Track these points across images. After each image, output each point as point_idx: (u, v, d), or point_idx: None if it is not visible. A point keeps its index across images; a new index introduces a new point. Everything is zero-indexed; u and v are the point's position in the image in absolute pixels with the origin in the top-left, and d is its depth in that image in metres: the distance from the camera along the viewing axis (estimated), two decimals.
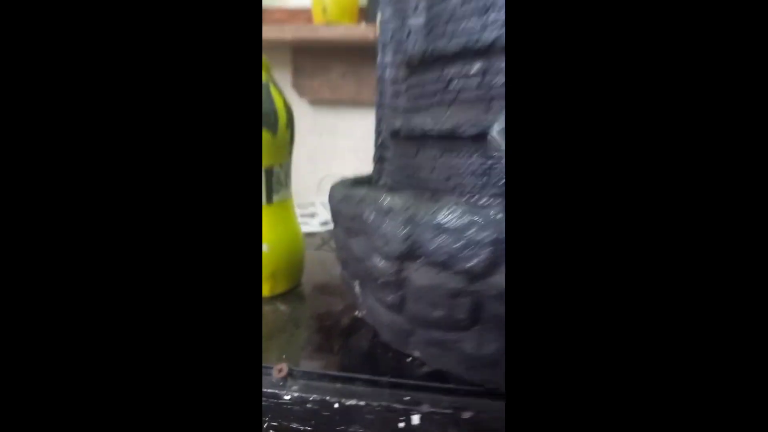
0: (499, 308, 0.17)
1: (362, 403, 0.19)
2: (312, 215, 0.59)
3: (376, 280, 0.20)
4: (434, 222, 0.17)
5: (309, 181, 0.64)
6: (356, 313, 0.28)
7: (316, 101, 0.72)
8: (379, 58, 0.31)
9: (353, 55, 0.68)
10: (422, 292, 0.18)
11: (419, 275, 0.18)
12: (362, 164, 0.33)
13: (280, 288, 0.31)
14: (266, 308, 0.29)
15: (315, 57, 0.68)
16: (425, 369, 0.21)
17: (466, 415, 0.19)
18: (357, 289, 0.25)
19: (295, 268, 0.32)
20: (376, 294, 0.21)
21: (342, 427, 0.20)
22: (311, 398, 0.20)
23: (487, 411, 0.19)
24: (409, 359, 0.22)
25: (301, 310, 0.29)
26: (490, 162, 0.20)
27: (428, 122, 0.23)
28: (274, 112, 0.28)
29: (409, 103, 0.27)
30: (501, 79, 0.22)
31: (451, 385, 0.20)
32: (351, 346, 0.24)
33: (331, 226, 0.57)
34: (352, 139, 0.70)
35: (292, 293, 0.31)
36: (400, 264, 0.19)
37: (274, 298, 0.30)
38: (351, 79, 0.69)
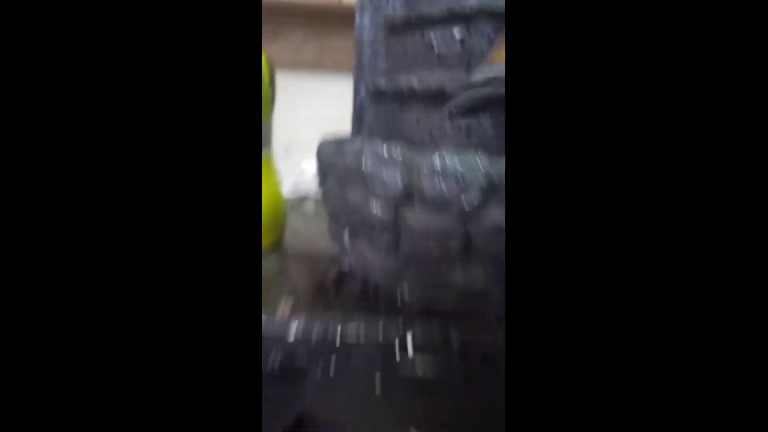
0: (487, 245, 0.19)
1: (361, 340, 0.21)
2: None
3: (371, 226, 0.22)
4: (431, 166, 0.19)
5: (276, 148, 0.63)
6: (342, 266, 0.29)
7: (277, 65, 0.70)
8: (357, 20, 0.32)
9: (315, 19, 0.66)
10: (419, 232, 0.20)
11: (416, 218, 0.20)
12: (328, 129, 0.34)
13: (266, 241, 0.31)
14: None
15: (276, 20, 0.66)
16: (416, 306, 0.23)
17: (456, 343, 0.21)
18: (346, 238, 0.26)
19: (277, 221, 0.32)
20: (369, 239, 0.23)
21: (343, 363, 0.22)
22: (314, 335, 0.22)
23: (475, 338, 0.21)
24: (397, 299, 0.24)
25: (288, 263, 0.30)
26: (474, 122, 0.23)
27: (413, 81, 0.24)
28: None
29: (389, 64, 0.28)
30: (482, 42, 0.24)
31: (440, 319, 0.22)
32: (343, 291, 0.26)
33: (299, 193, 0.57)
34: (315, 105, 0.70)
35: (275, 248, 0.32)
36: (397, 209, 0.20)
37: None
38: (313, 44, 0.68)
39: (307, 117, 0.69)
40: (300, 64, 0.69)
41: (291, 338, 0.21)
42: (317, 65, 0.69)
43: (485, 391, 0.21)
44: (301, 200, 0.51)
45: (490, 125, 0.23)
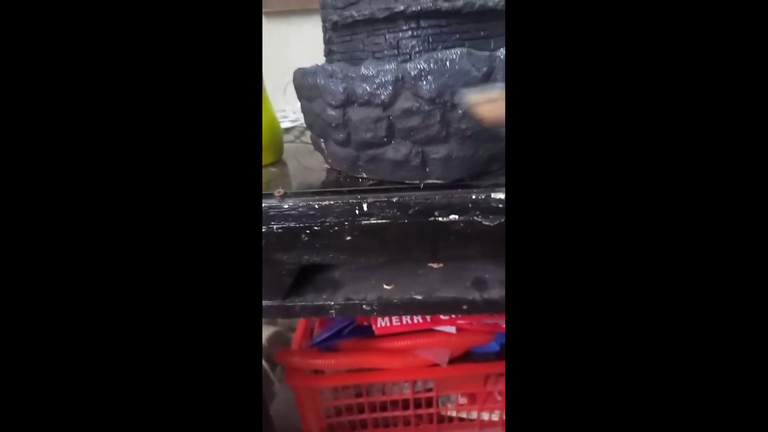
0: (404, 125, 0.28)
1: (332, 202, 0.31)
2: (283, 117, 0.68)
3: (330, 126, 0.31)
4: (359, 74, 0.27)
5: (273, 89, 0.71)
6: (324, 165, 0.39)
7: (268, 14, 0.75)
8: None
9: None
10: (358, 124, 0.29)
11: (355, 113, 0.29)
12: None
13: (268, 159, 0.41)
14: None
15: None
16: (369, 182, 0.33)
17: (394, 199, 0.31)
18: (322, 144, 0.36)
19: (276, 143, 0.42)
20: (332, 137, 0.32)
21: (321, 219, 0.32)
22: (300, 205, 0.32)
23: (408, 196, 0.31)
24: (359, 178, 0.34)
25: (286, 170, 0.40)
26: (399, 36, 0.30)
27: (354, 12, 0.32)
28: None
29: (343, 1, 0.36)
30: None
31: (384, 186, 0.32)
32: (322, 180, 0.36)
33: (299, 123, 0.66)
34: (306, 45, 0.76)
35: (277, 163, 0.42)
36: (343, 110, 0.29)
37: (265, 166, 0.41)
38: None
39: (299, 57, 0.76)
40: (290, 9, 0.74)
41: (284, 208, 0.32)
42: (305, 8, 0.74)
43: (417, 229, 0.31)
44: (301, 131, 0.60)
45: (414, 40, 0.30)
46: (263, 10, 0.73)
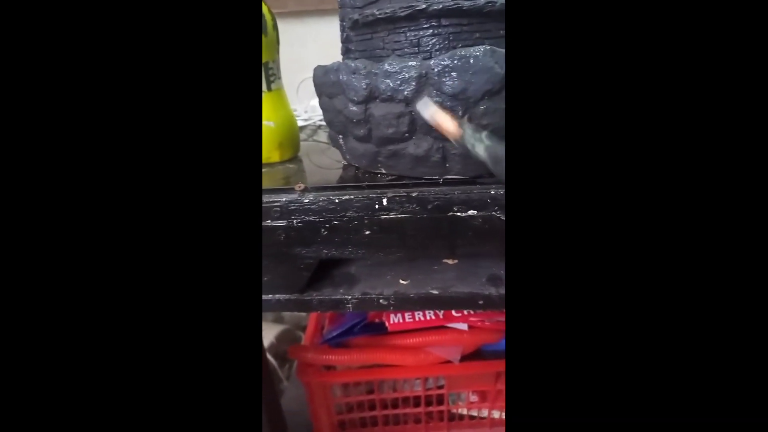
0: (425, 121, 0.28)
1: (352, 197, 0.32)
2: (297, 116, 0.69)
3: (351, 122, 0.32)
4: (383, 71, 0.28)
5: (288, 88, 0.71)
6: (340, 162, 0.40)
7: (283, 15, 0.76)
8: None
9: None
10: (380, 120, 0.29)
11: (377, 109, 0.29)
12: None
13: (287, 155, 0.42)
14: (279, 167, 0.40)
15: None
16: (388, 177, 0.34)
17: (414, 194, 0.31)
18: (341, 141, 0.36)
19: (294, 140, 0.43)
20: (352, 133, 0.33)
21: (341, 213, 0.32)
22: (321, 199, 0.32)
23: (427, 191, 0.31)
24: (378, 174, 0.34)
25: (302, 166, 0.41)
26: (420, 34, 0.31)
27: (375, 11, 0.32)
28: (263, 17, 0.36)
29: (361, 1, 0.36)
30: None
31: (404, 180, 0.32)
32: (341, 175, 0.36)
33: (311, 122, 0.67)
34: (321, 45, 0.77)
35: (294, 160, 0.43)
36: (365, 105, 0.30)
37: (282, 162, 0.42)
38: None
39: (313, 57, 0.77)
40: (304, 12, 0.75)
41: (305, 202, 0.32)
42: (319, 9, 0.75)
43: (435, 224, 0.32)
44: (314, 129, 0.61)
45: (435, 38, 0.31)
46: (278, 11, 0.74)
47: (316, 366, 0.53)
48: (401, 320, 0.51)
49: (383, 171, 0.34)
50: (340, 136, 0.36)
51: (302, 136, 0.60)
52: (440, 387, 0.55)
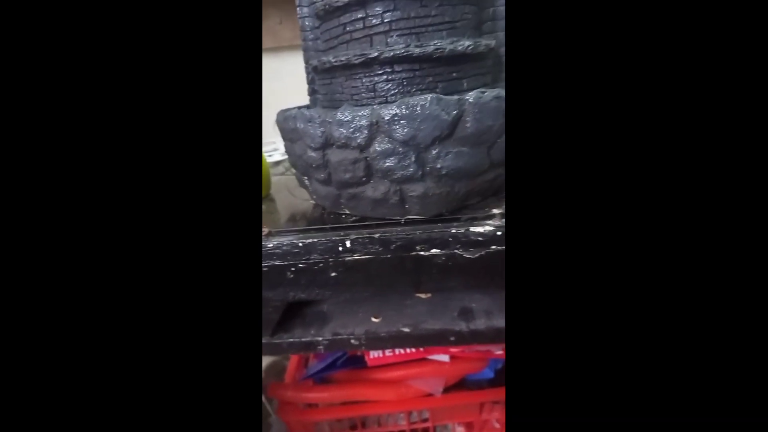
0: (380, 165, 0.29)
1: (315, 240, 0.32)
2: (274, 150, 0.70)
3: (311, 167, 0.32)
4: (336, 119, 0.28)
5: (265, 122, 0.73)
6: (311, 200, 0.40)
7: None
8: (298, 12, 0.41)
9: (289, 2, 0.73)
10: (337, 165, 0.30)
11: (334, 155, 0.30)
12: (307, 99, 0.43)
13: None
14: None
15: None
16: (352, 218, 0.34)
17: (376, 235, 0.32)
18: (306, 182, 0.37)
19: (265, 180, 0.43)
20: (314, 177, 0.33)
21: (306, 257, 0.33)
22: (285, 243, 0.33)
23: (389, 232, 0.32)
24: (342, 214, 0.35)
25: (273, 207, 0.41)
26: (375, 80, 0.32)
27: (331, 58, 0.33)
28: None
29: (323, 45, 0.37)
30: (378, 21, 0.33)
31: (366, 222, 0.33)
32: (307, 216, 0.37)
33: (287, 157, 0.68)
34: (297, 79, 0.78)
35: (265, 199, 0.43)
36: (322, 152, 0.30)
37: None
38: (288, 25, 0.76)
39: (290, 90, 0.78)
40: (279, 48, 0.77)
41: (269, 247, 0.33)
42: (293, 45, 0.77)
43: (399, 263, 0.32)
44: (289, 166, 0.62)
45: (389, 83, 0.32)
46: None
47: (296, 404, 0.52)
48: (381, 354, 0.51)
49: (347, 212, 0.34)
50: (305, 177, 0.36)
51: (279, 169, 0.60)
52: (425, 420, 0.54)
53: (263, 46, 0.76)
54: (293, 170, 0.42)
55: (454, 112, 0.27)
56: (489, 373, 0.53)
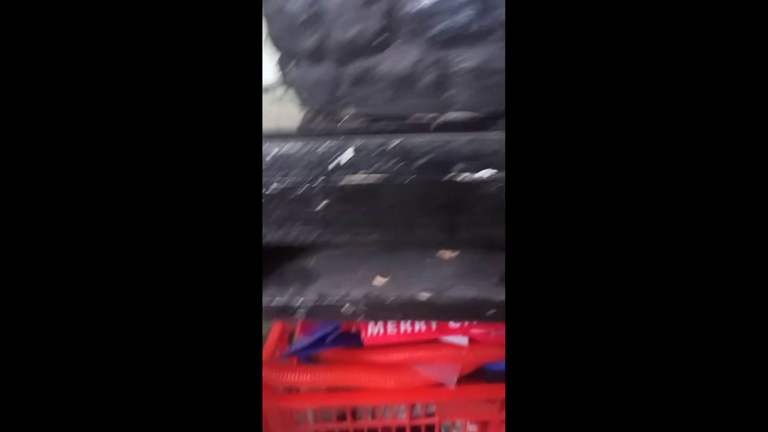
0: (407, 10, 0.17)
1: (297, 150, 0.21)
2: None
3: (297, 30, 0.20)
4: None
5: None
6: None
7: None
8: None
9: None
10: (337, 13, 0.18)
11: None
12: None
13: None
14: None
15: None
16: (360, 120, 0.22)
17: (393, 143, 0.20)
18: (293, 70, 0.25)
19: None
20: (301, 49, 0.21)
21: (282, 174, 0.21)
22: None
23: (413, 139, 0.20)
24: (343, 118, 0.23)
25: None
26: None
27: None
28: None
29: None
30: None
31: (379, 126, 0.21)
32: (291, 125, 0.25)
33: None
34: None
35: None
36: None
37: None
38: None
39: None
40: None
41: None
42: None
43: (426, 192, 0.20)
44: None
45: None
46: None
47: (273, 387, 0.42)
48: (382, 331, 0.40)
49: (352, 111, 0.22)
50: (293, 63, 0.24)
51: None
52: (430, 415, 0.44)
53: None
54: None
55: None
56: None
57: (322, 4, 0.18)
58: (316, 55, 0.20)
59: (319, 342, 0.44)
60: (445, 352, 0.40)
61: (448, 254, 0.30)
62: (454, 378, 0.40)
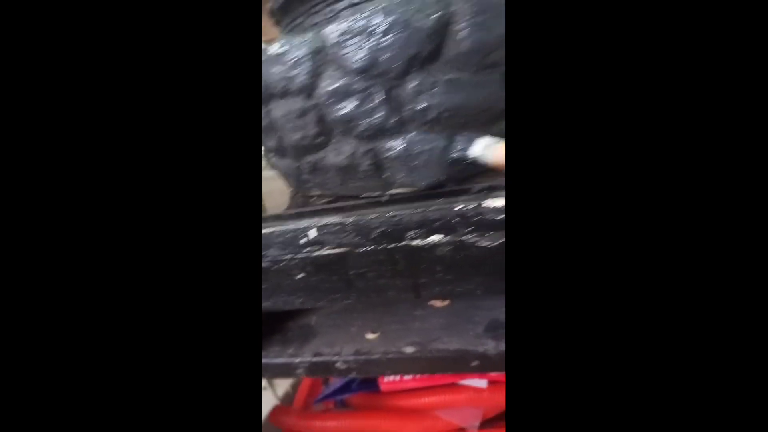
0: (337, 113, 0.20)
1: (273, 230, 0.24)
2: None
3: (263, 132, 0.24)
4: (270, 55, 0.20)
5: None
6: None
7: None
8: None
9: None
10: (283, 122, 0.21)
11: (278, 108, 0.21)
12: None
13: None
14: None
15: None
16: (323, 200, 0.25)
17: (349, 219, 0.23)
18: (273, 159, 0.29)
19: None
20: (267, 145, 0.25)
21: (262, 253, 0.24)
22: None
23: (367, 214, 0.22)
24: (311, 197, 0.26)
25: None
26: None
27: None
28: None
29: None
30: None
31: (338, 204, 0.24)
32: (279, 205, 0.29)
33: None
34: None
35: None
36: (266, 107, 0.22)
37: None
38: None
39: None
40: None
41: None
42: None
43: (387, 258, 0.22)
44: None
45: None
46: None
47: None
48: (398, 377, 0.41)
49: (317, 192, 0.26)
50: (271, 154, 0.28)
51: None
52: None
53: None
54: None
55: (437, 16, 0.17)
56: None
57: (272, 115, 0.22)
58: (280, 152, 0.24)
59: (346, 387, 0.46)
60: (465, 396, 0.40)
61: (439, 303, 0.31)
62: (477, 422, 0.39)
